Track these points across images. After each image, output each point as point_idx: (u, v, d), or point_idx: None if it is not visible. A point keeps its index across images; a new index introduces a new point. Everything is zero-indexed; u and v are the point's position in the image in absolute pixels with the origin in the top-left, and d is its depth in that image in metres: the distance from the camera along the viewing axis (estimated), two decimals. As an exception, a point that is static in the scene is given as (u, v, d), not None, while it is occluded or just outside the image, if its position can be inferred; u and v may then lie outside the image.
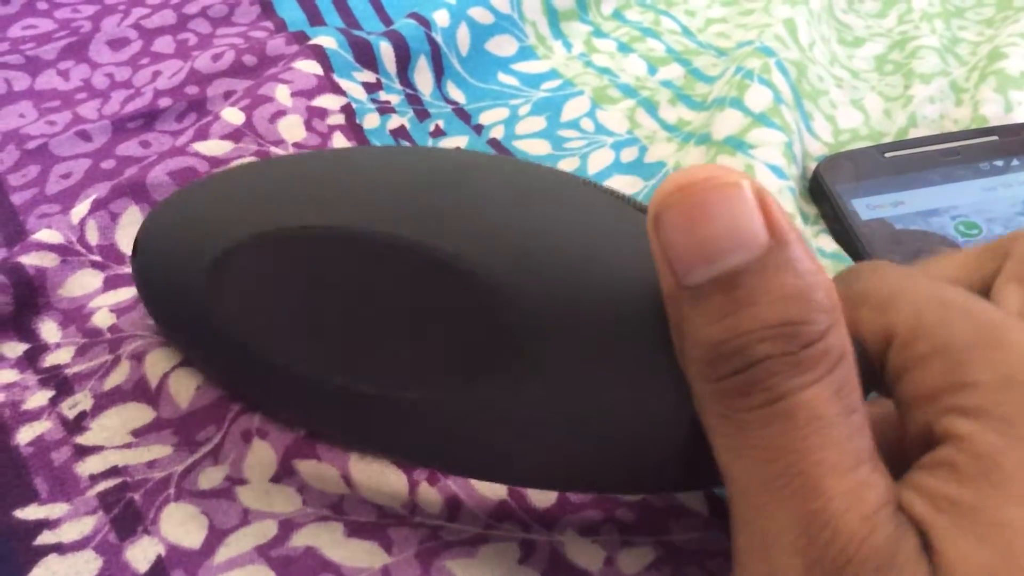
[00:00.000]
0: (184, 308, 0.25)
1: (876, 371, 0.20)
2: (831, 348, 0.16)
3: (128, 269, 0.32)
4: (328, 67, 0.39)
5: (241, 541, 0.24)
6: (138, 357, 0.27)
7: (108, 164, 0.36)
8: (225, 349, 0.24)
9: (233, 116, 0.36)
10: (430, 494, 0.25)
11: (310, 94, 0.37)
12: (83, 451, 0.26)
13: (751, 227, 0.16)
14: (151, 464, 0.26)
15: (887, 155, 0.37)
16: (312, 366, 0.23)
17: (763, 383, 0.16)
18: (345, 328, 0.22)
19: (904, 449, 0.19)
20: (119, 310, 0.30)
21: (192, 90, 0.40)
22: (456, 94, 0.42)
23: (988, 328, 0.18)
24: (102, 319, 0.29)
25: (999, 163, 0.36)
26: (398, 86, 0.40)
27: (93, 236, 0.32)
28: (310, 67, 0.38)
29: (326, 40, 0.40)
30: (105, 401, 0.27)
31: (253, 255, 0.23)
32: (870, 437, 0.17)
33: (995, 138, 0.37)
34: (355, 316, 0.22)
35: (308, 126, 0.36)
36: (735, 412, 0.17)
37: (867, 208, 0.35)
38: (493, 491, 0.26)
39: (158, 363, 0.27)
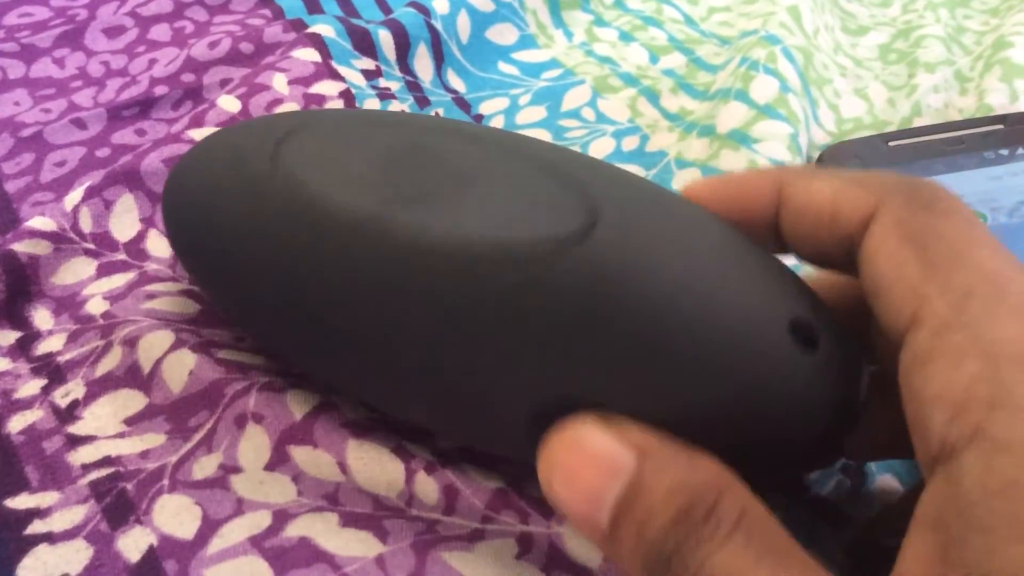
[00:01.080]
0: (244, 195, 0.24)
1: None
2: (728, 511, 0.17)
3: (122, 256, 0.31)
4: (326, 54, 0.38)
5: (234, 532, 0.23)
6: (131, 343, 0.27)
7: (103, 152, 0.36)
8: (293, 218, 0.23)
9: (230, 104, 0.35)
10: (427, 484, 0.25)
11: (307, 81, 0.37)
12: (75, 440, 0.26)
13: (615, 456, 0.18)
14: (144, 454, 0.25)
15: (891, 144, 0.37)
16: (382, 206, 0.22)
17: (681, 567, 0.17)
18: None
19: (888, 425, 0.18)
20: (112, 297, 0.30)
21: (188, 78, 0.39)
22: (456, 82, 0.41)
23: None
24: (95, 306, 0.29)
25: (1004, 152, 0.36)
26: (398, 73, 0.40)
27: (87, 223, 0.31)
28: (308, 55, 0.38)
29: (324, 28, 0.39)
30: (97, 389, 0.26)
31: (315, 132, 0.24)
32: (795, 557, 0.17)
33: (1000, 126, 0.37)
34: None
35: (306, 113, 0.36)
36: None
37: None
38: (492, 480, 0.25)
39: (151, 348, 0.27)
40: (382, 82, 0.39)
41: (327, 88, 0.37)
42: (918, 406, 0.17)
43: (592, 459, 0.19)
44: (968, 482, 0.15)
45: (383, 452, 0.25)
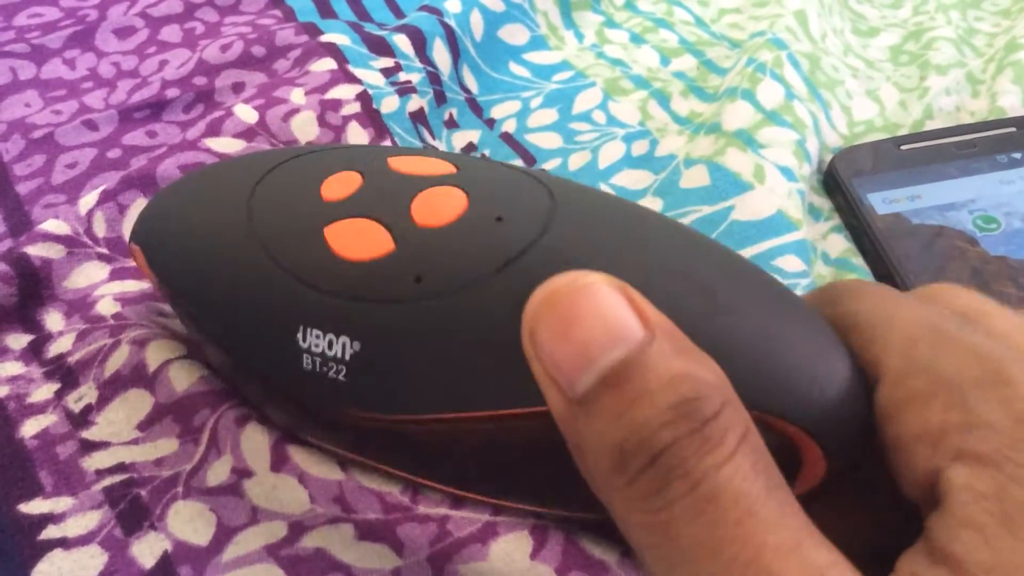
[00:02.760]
0: (223, 240, 0.23)
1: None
2: (734, 422, 0.15)
3: (134, 263, 0.31)
4: (342, 59, 0.38)
5: (250, 540, 0.23)
6: (139, 343, 0.27)
7: (114, 153, 0.36)
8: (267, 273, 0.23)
9: (247, 114, 0.35)
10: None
11: (323, 89, 0.37)
12: (89, 446, 0.26)
13: (625, 320, 0.16)
14: (158, 462, 0.25)
15: (903, 148, 0.37)
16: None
17: (677, 470, 0.15)
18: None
19: (896, 496, 0.18)
20: (124, 300, 0.30)
21: (200, 81, 0.39)
22: (470, 81, 0.41)
23: (993, 362, 0.17)
24: (106, 307, 0.29)
25: (1017, 155, 0.36)
26: (418, 64, 0.39)
27: (100, 228, 0.31)
28: (325, 65, 0.38)
29: (339, 38, 0.39)
30: (108, 392, 0.26)
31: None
32: (801, 510, 0.15)
33: (1013, 130, 0.37)
34: None
35: (321, 121, 0.35)
36: (658, 513, 0.15)
37: (883, 202, 0.34)
38: None
39: (160, 351, 0.27)
40: (402, 76, 0.38)
41: (343, 92, 0.37)
42: (902, 451, 0.17)
43: (597, 316, 0.16)
44: (956, 490, 0.16)
45: None
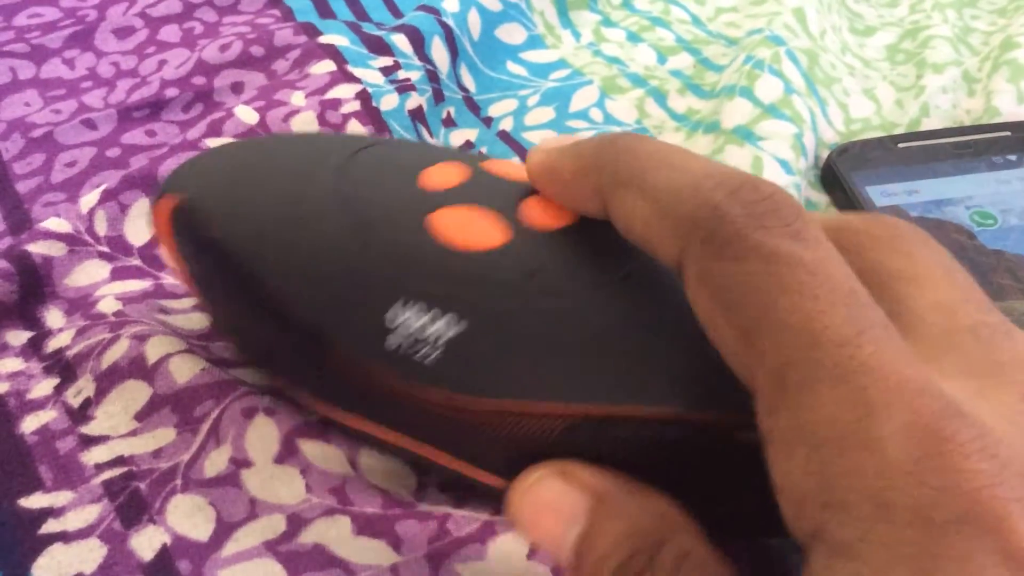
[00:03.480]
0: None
1: None
2: (668, 556, 0.18)
3: (136, 262, 0.31)
4: (342, 60, 0.38)
5: (249, 536, 0.23)
6: (140, 338, 0.27)
7: (113, 152, 0.36)
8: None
9: (247, 115, 0.35)
10: (438, 496, 0.25)
11: (324, 90, 0.37)
12: (88, 440, 0.26)
13: (569, 505, 0.19)
14: (157, 453, 0.25)
15: (901, 145, 0.37)
16: None
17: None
18: None
19: None
20: (125, 299, 0.30)
21: (199, 80, 0.39)
22: (467, 80, 0.41)
23: (860, 410, 0.14)
24: (107, 305, 0.29)
25: (1012, 157, 0.36)
26: (417, 62, 0.39)
27: (102, 227, 0.31)
28: (324, 67, 0.38)
29: (337, 39, 0.39)
30: (105, 383, 0.26)
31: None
32: None
33: (1007, 133, 0.37)
34: None
35: (321, 120, 0.36)
36: None
37: (881, 195, 0.35)
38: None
39: (161, 346, 0.27)
40: (401, 74, 0.38)
41: (343, 92, 0.37)
42: (775, 492, 0.16)
43: (549, 508, 0.19)
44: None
45: (397, 463, 0.26)
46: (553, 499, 0.19)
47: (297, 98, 0.36)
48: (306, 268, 0.22)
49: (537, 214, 0.22)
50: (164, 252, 0.27)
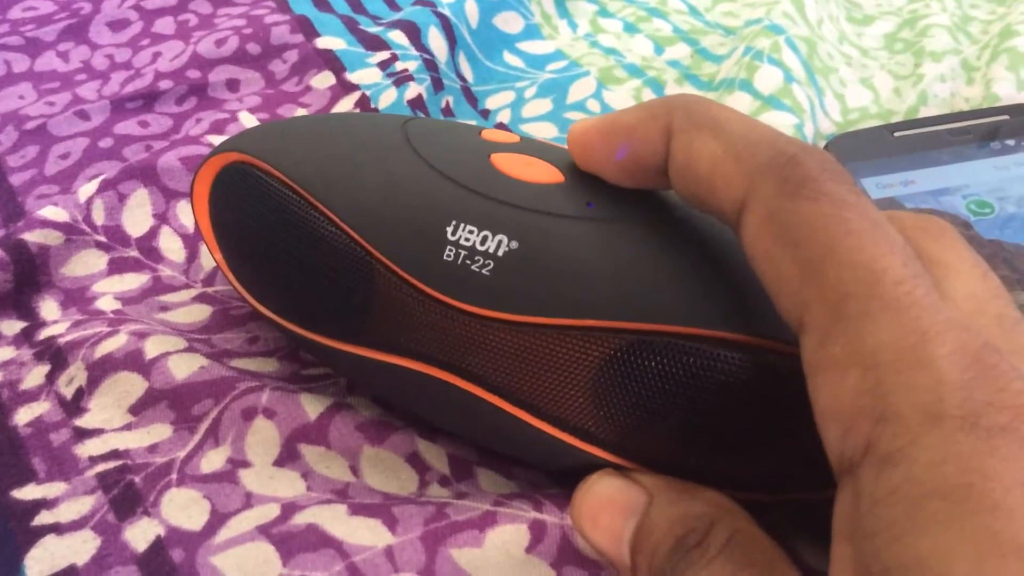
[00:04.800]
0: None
1: None
2: (716, 537, 0.19)
3: (134, 253, 0.31)
4: (340, 68, 0.38)
5: (243, 522, 0.23)
6: (139, 335, 0.27)
7: (106, 143, 0.36)
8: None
9: (249, 121, 0.36)
10: (440, 491, 0.25)
11: (326, 108, 0.37)
12: (82, 433, 0.26)
13: (627, 500, 0.21)
14: (152, 448, 0.25)
15: (897, 134, 0.37)
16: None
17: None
18: None
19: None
20: (125, 299, 0.30)
21: (194, 74, 0.39)
22: (466, 70, 0.41)
23: (918, 336, 0.15)
24: (106, 303, 0.29)
25: (1010, 142, 0.36)
26: (414, 52, 0.39)
27: (99, 216, 0.31)
28: (324, 81, 0.38)
29: (334, 42, 0.39)
30: (98, 372, 0.26)
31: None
32: (774, 564, 0.19)
33: (1006, 117, 0.37)
34: None
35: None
36: None
37: (877, 187, 0.34)
38: (507, 488, 0.25)
39: (160, 344, 0.27)
40: (398, 65, 0.38)
41: (343, 106, 0.37)
42: (818, 419, 0.17)
43: (610, 503, 0.21)
44: (862, 493, 0.15)
45: (398, 460, 0.25)
46: (612, 495, 0.21)
47: (300, 112, 0.37)
48: (369, 199, 0.23)
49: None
50: (196, 216, 0.27)
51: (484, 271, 0.22)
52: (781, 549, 0.19)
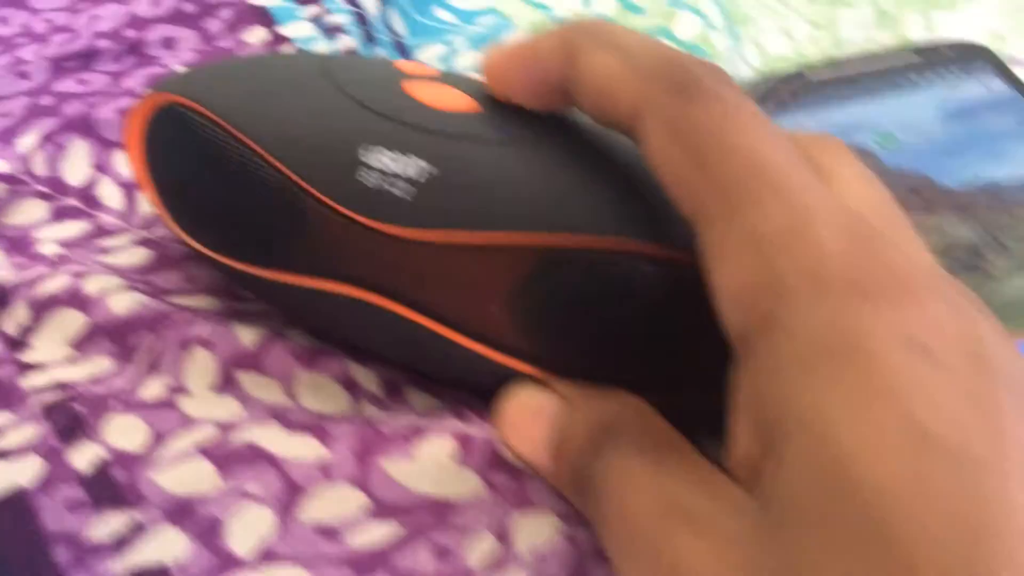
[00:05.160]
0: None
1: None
2: (626, 430, 0.21)
3: (74, 202, 0.32)
4: (271, 22, 0.39)
5: (181, 443, 0.25)
6: (79, 275, 0.28)
7: (47, 100, 0.36)
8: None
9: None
10: (373, 410, 0.26)
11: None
12: (26, 367, 0.27)
13: (545, 408, 0.23)
14: (94, 380, 0.26)
15: (810, 76, 0.38)
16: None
17: (590, 479, 0.21)
18: None
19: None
20: (67, 244, 0.31)
21: (130, 33, 0.40)
22: (397, 24, 0.42)
23: (803, 215, 0.17)
24: (48, 249, 0.30)
25: (917, 79, 0.38)
26: (345, 6, 0.40)
27: (40, 167, 0.32)
28: (258, 36, 0.39)
29: (266, -1, 0.40)
30: (43, 312, 0.27)
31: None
32: (683, 451, 0.20)
33: (914, 55, 0.39)
34: None
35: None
36: (589, 510, 0.21)
37: (791, 128, 0.36)
38: (435, 405, 0.27)
39: (101, 282, 0.28)
40: (329, 19, 0.39)
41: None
42: (716, 301, 0.18)
43: (528, 411, 0.23)
44: (757, 363, 0.17)
45: (331, 383, 0.27)
46: (531, 403, 0.23)
47: None
48: (291, 128, 0.25)
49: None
50: (130, 158, 0.29)
51: (403, 194, 0.23)
52: (687, 439, 0.21)
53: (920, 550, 0.14)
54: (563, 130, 0.24)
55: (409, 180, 0.23)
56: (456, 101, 0.25)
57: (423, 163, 0.23)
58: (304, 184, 0.24)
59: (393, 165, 0.23)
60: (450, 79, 0.26)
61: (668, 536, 0.18)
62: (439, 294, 0.24)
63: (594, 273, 0.22)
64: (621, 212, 0.22)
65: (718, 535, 0.17)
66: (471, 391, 0.27)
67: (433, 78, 0.26)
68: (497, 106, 0.24)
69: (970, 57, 0.38)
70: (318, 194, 0.24)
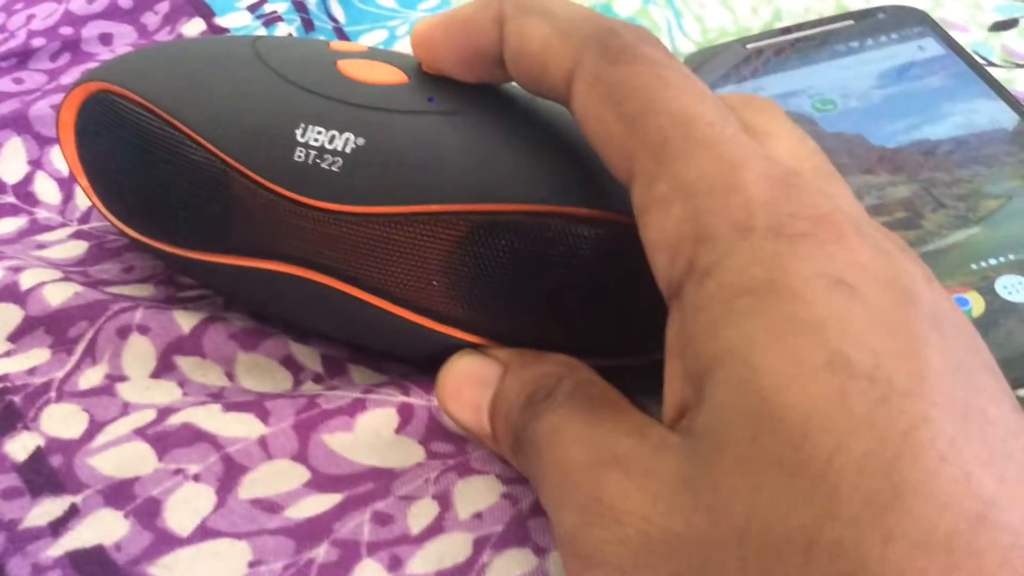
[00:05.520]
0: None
1: None
2: (562, 389, 0.21)
3: (11, 199, 0.32)
4: (209, 13, 0.39)
5: (119, 427, 0.24)
6: (15, 269, 0.28)
7: (-20, 100, 0.36)
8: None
9: None
10: (314, 388, 0.26)
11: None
12: (-38, 363, 0.26)
13: (483, 373, 0.23)
14: (31, 371, 0.26)
15: (749, 47, 0.39)
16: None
17: (525, 438, 0.21)
18: None
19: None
20: (2, 241, 0.30)
21: (66, 31, 0.40)
22: (337, 11, 0.42)
23: (729, 165, 0.17)
24: None
25: (854, 44, 0.38)
26: None
27: (-25, 164, 0.32)
28: (195, 27, 0.39)
29: (202, -12, 0.40)
30: None
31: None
32: (617, 407, 0.20)
33: (851, 22, 0.39)
34: None
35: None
36: (523, 465, 0.22)
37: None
38: (377, 379, 0.27)
39: (36, 275, 0.28)
40: (267, 7, 0.39)
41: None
42: (649, 254, 0.19)
43: (468, 378, 0.23)
44: (686, 308, 0.17)
45: (272, 363, 0.27)
46: (470, 370, 0.23)
47: None
48: (220, 108, 0.25)
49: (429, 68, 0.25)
50: (63, 149, 0.28)
51: (333, 168, 0.23)
52: (620, 393, 0.21)
53: (840, 472, 0.14)
54: (490, 97, 0.24)
55: (336, 153, 0.23)
56: (386, 75, 0.24)
57: (353, 136, 0.23)
58: (233, 162, 0.24)
59: (325, 141, 0.23)
60: (379, 54, 0.26)
61: (599, 480, 0.18)
62: (372, 266, 0.24)
63: (525, 238, 0.22)
64: (549, 178, 0.23)
65: (644, 473, 0.17)
66: (414, 365, 0.27)
67: (361, 53, 0.26)
68: (425, 77, 0.24)
69: (906, 20, 0.39)
70: (249, 172, 0.24)
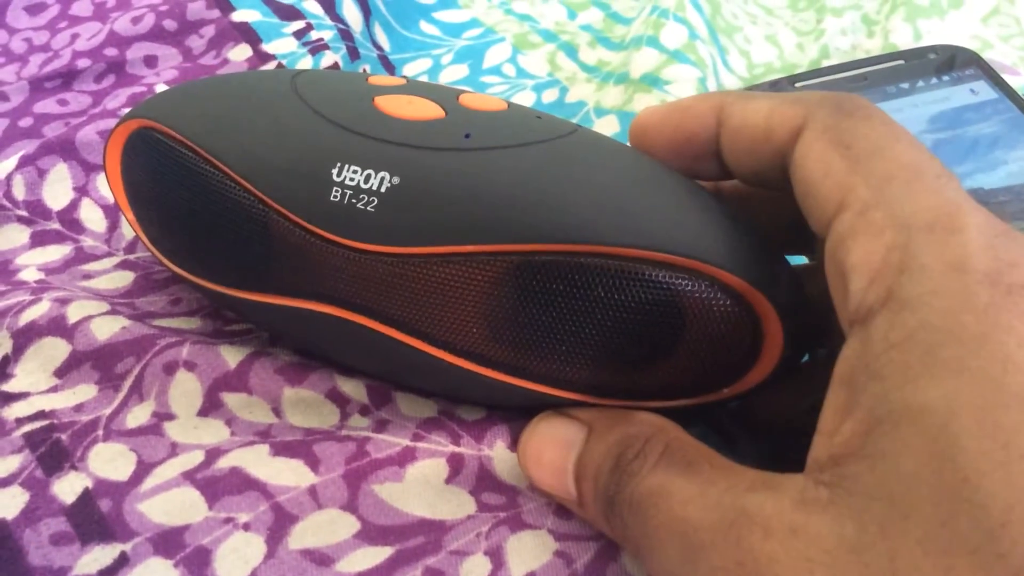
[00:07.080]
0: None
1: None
2: (652, 449, 0.21)
3: (56, 225, 0.32)
4: (256, 39, 0.39)
5: (168, 470, 0.24)
6: (62, 301, 0.28)
7: (26, 122, 0.36)
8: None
9: None
10: (361, 421, 0.26)
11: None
12: (9, 397, 0.26)
13: (567, 434, 0.23)
14: (78, 408, 0.26)
15: (798, 85, 0.38)
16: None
17: (620, 501, 0.20)
18: None
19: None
20: (48, 269, 0.30)
21: (111, 52, 0.40)
22: (382, 39, 0.42)
23: (954, 207, 0.17)
24: (29, 275, 0.30)
25: (905, 86, 0.37)
26: (329, 22, 0.40)
27: (20, 191, 0.32)
28: (241, 53, 0.39)
29: (249, 14, 0.40)
30: (23, 340, 0.27)
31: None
32: (713, 461, 0.20)
33: (901, 62, 0.39)
34: None
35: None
36: (619, 532, 0.21)
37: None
38: (425, 410, 0.26)
39: (83, 308, 0.28)
40: (314, 35, 0.39)
41: (261, 76, 0.38)
42: (840, 276, 0.18)
43: (551, 441, 0.23)
44: (876, 338, 0.17)
45: (318, 398, 0.26)
46: (552, 432, 0.23)
47: None
48: (257, 148, 0.24)
49: (472, 100, 0.25)
50: (110, 184, 0.28)
51: (369, 208, 0.23)
52: (711, 449, 0.21)
53: None
54: (529, 135, 0.24)
55: (371, 192, 0.23)
56: (422, 110, 0.24)
57: (388, 175, 0.23)
58: (271, 202, 0.24)
59: (361, 180, 0.23)
60: (417, 88, 0.26)
61: (737, 542, 0.17)
62: (407, 306, 0.23)
63: (560, 277, 0.22)
64: (585, 217, 0.22)
65: (788, 532, 0.16)
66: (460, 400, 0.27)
67: (399, 87, 0.25)
68: (461, 111, 0.24)
69: (957, 62, 0.38)
70: (286, 212, 0.24)
